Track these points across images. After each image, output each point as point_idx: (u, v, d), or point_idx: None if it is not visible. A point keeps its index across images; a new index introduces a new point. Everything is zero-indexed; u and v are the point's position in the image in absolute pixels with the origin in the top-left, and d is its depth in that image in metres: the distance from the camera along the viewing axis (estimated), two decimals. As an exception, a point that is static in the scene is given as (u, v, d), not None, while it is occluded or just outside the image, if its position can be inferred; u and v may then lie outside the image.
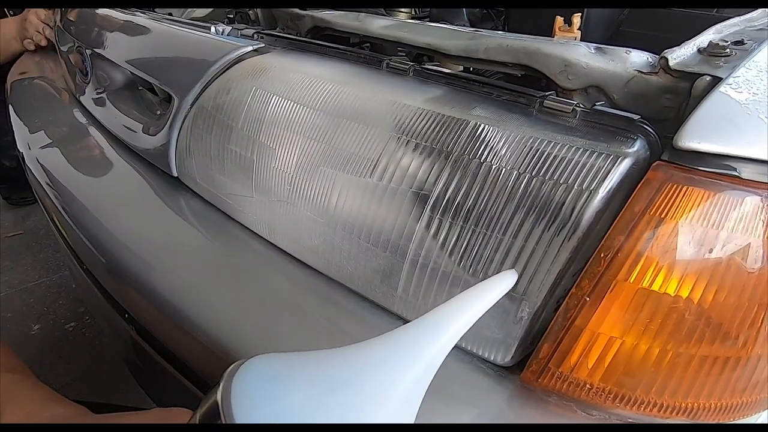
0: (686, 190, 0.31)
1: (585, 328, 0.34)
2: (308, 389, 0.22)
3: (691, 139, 0.32)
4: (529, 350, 0.39)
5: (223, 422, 0.21)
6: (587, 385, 0.35)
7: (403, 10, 0.91)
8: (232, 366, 0.23)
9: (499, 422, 0.37)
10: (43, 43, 1.53)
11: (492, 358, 0.39)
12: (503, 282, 0.29)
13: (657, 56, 0.42)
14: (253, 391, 0.22)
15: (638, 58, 0.43)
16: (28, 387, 0.22)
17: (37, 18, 1.53)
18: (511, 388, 0.39)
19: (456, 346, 0.42)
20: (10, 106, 1.09)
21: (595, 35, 0.87)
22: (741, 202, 0.31)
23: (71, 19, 1.06)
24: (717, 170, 0.32)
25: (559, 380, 0.36)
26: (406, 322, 0.44)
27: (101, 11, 0.91)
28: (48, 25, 1.51)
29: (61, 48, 1.19)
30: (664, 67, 0.41)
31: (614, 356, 0.34)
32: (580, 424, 0.37)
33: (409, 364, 0.23)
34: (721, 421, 0.36)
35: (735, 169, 0.32)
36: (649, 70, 0.42)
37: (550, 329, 0.36)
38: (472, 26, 0.93)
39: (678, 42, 0.42)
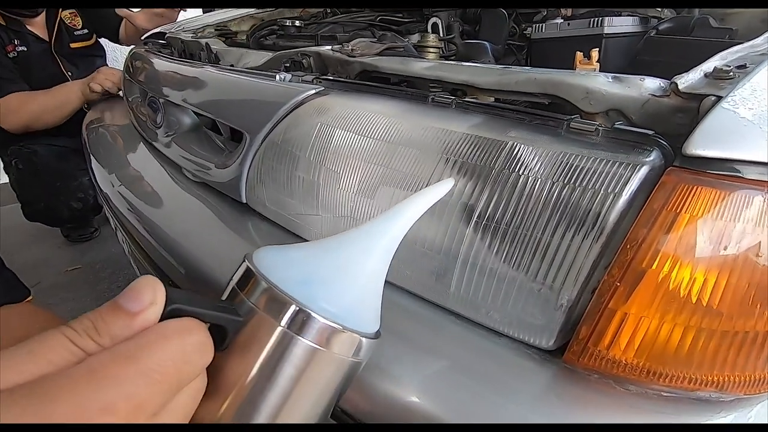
0: (696, 189, 0.38)
1: (617, 309, 0.40)
2: (307, 261, 0.32)
3: (697, 146, 0.38)
4: (569, 335, 0.45)
5: (258, 277, 0.30)
6: (622, 362, 0.41)
7: (431, 49, 1.01)
8: (247, 254, 0.32)
9: (546, 399, 0.43)
10: (113, 89, 1.70)
11: (537, 343, 0.45)
12: (442, 186, 0.35)
13: (668, 81, 0.49)
14: (270, 261, 0.31)
15: (651, 83, 0.50)
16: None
17: (103, 75, 1.72)
18: (554, 369, 0.44)
19: (502, 334, 0.48)
20: (88, 151, 1.23)
21: (615, 64, 0.94)
22: (744, 197, 0.37)
23: (140, 76, 1.21)
24: (721, 172, 0.38)
25: (598, 359, 0.42)
26: (459, 317, 0.51)
27: (169, 65, 1.05)
28: (114, 81, 1.70)
29: (129, 97, 1.35)
30: (675, 90, 0.48)
31: (644, 334, 0.39)
32: (585, 424, 0.41)
33: (376, 243, 0.32)
34: (747, 394, 0.40)
35: (738, 171, 0.38)
36: (662, 94, 0.49)
37: (588, 313, 0.42)
38: (496, 61, 1.03)
39: (690, 67, 0.49)
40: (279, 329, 0.29)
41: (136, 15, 1.90)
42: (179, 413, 0.25)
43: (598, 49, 0.75)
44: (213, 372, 0.29)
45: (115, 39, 2.14)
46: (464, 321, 0.50)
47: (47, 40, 1.95)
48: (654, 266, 0.38)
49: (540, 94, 0.56)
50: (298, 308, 0.29)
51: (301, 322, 0.29)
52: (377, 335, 0.33)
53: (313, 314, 0.29)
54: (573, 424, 0.40)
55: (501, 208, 0.46)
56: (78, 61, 2.04)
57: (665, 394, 0.41)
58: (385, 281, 0.56)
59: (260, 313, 0.29)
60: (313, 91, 0.66)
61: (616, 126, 0.45)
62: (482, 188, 0.47)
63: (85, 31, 2.07)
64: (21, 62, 1.87)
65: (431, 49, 1.01)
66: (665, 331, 0.39)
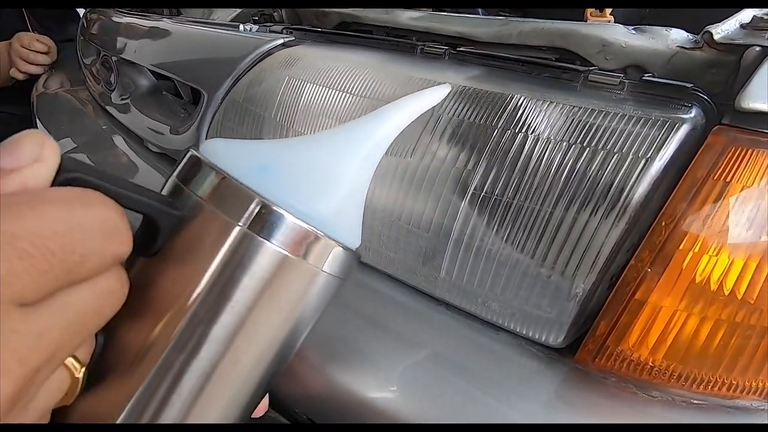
0: (752, 153, 0.30)
1: (646, 301, 0.32)
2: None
3: (755, 99, 0.31)
4: (581, 331, 0.37)
5: (208, 166, 0.22)
6: (649, 364, 0.34)
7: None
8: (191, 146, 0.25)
9: (554, 407, 0.35)
10: (35, 71, 1.45)
11: (543, 340, 0.38)
12: (438, 91, 0.29)
13: (696, 34, 0.41)
14: (224, 152, 0.24)
15: (678, 35, 0.42)
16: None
17: (20, 45, 1.45)
18: (564, 370, 0.37)
19: (502, 328, 0.40)
20: (36, 119, 1.11)
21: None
22: (810, 163, 0.30)
23: (94, 32, 1.08)
24: (783, 132, 0.31)
25: (618, 360, 0.34)
26: (450, 307, 0.43)
27: (126, 19, 0.93)
28: (38, 51, 1.44)
29: (85, 60, 1.22)
30: (709, 41, 0.40)
31: (678, 331, 0.32)
32: (593, 424, 0.34)
33: (356, 146, 0.25)
34: (794, 402, 0.34)
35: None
36: (692, 46, 0.41)
37: (608, 305, 0.34)
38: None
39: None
40: (237, 229, 0.22)
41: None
42: (74, 316, 0.18)
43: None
44: (139, 284, 0.21)
45: None
46: (456, 312, 0.42)
47: None
48: (696, 249, 0.31)
49: (547, 47, 0.48)
50: (263, 203, 0.22)
51: (266, 221, 0.22)
52: (357, 253, 0.26)
53: (283, 212, 0.22)
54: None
55: (503, 177, 0.37)
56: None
57: (695, 402, 0.35)
58: (362, 263, 0.48)
59: (210, 209, 0.22)
60: (281, 41, 0.56)
61: (645, 78, 0.37)
62: (480, 153, 0.39)
63: None
64: None
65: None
66: (705, 328, 0.31)
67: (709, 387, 0.33)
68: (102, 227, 0.18)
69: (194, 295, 0.21)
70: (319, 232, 0.23)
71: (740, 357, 0.32)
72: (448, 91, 0.28)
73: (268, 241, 0.22)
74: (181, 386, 0.22)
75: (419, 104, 0.27)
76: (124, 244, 0.19)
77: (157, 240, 0.22)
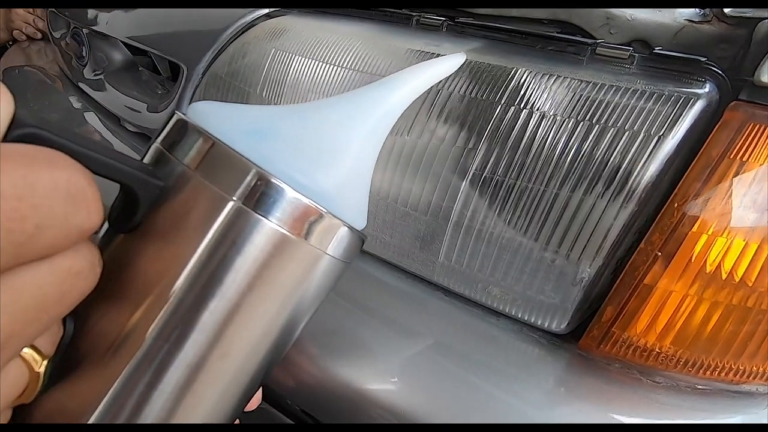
0: (770, 130, 0.29)
1: (656, 286, 0.31)
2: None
3: (776, 73, 0.29)
4: (585, 316, 0.36)
5: (197, 130, 0.20)
6: (655, 350, 0.33)
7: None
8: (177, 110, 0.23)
9: (558, 394, 0.34)
10: (35, 34, 1.48)
11: (546, 326, 0.36)
12: (453, 59, 0.27)
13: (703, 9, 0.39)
14: (215, 115, 0.21)
15: (686, 8, 0.40)
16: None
17: (24, 11, 1.49)
18: (567, 357, 0.36)
19: (503, 314, 0.39)
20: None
21: None
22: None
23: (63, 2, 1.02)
24: (802, 108, 0.29)
25: (624, 346, 0.33)
26: (449, 293, 0.41)
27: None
28: (38, 16, 1.46)
29: (54, 34, 1.15)
30: (718, 14, 0.38)
31: (687, 317, 0.31)
32: (591, 424, 0.34)
33: (367, 113, 0.23)
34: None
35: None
36: (701, 20, 0.39)
37: (615, 290, 0.33)
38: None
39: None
40: (230, 204, 0.19)
41: None
42: (29, 300, 0.15)
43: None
44: (115, 264, 0.19)
45: None
46: (455, 298, 0.41)
47: None
48: (709, 231, 0.29)
49: (548, 21, 0.45)
50: (260, 173, 0.19)
51: (263, 194, 0.19)
52: (363, 234, 0.24)
53: (283, 185, 0.19)
54: (593, 425, 0.31)
55: (506, 156, 0.35)
56: None
57: (700, 387, 0.34)
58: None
59: (199, 180, 0.19)
60: (265, 11, 0.52)
61: (655, 51, 0.36)
62: (482, 131, 0.36)
63: None
64: None
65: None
66: (716, 314, 0.30)
67: (716, 372, 0.32)
68: (65, 193, 0.15)
69: (179, 278, 0.19)
70: (323, 209, 0.20)
71: (749, 342, 0.31)
72: (463, 60, 0.26)
73: (266, 218, 0.19)
74: (163, 381, 0.19)
75: (432, 73, 0.25)
76: (93, 216, 0.16)
77: (137, 213, 0.19)
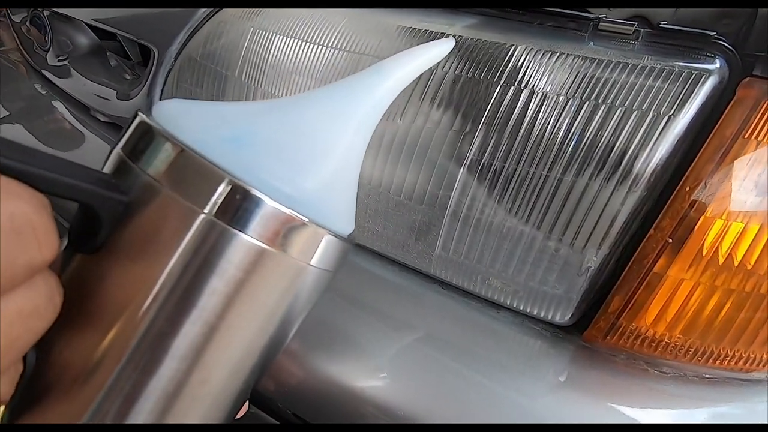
0: (787, 108, 0.27)
1: (666, 275, 0.30)
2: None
3: (793, 46, 0.27)
4: (589, 307, 0.35)
5: (162, 135, 0.18)
6: (664, 341, 0.31)
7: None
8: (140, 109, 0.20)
9: (563, 387, 0.33)
10: None
11: (549, 317, 0.35)
12: (442, 45, 0.25)
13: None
14: (182, 116, 0.19)
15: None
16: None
17: None
18: (571, 349, 0.35)
19: (505, 307, 0.37)
20: (-41, 82, 0.98)
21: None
22: None
23: (23, -18, 0.95)
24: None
25: (632, 337, 0.32)
26: (446, 285, 0.39)
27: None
28: None
29: (14, 18, 1.08)
30: (721, -13, 0.36)
31: (699, 306, 0.30)
32: (590, 424, 0.32)
33: (352, 107, 0.21)
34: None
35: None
36: (703, -7, 0.37)
37: (623, 280, 0.31)
38: None
39: None
40: (201, 217, 0.17)
41: None
42: None
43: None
44: (78, 288, 0.17)
45: None
46: (452, 291, 0.39)
47: None
48: (723, 216, 0.28)
49: (543, -4, 0.43)
50: (234, 183, 0.17)
51: (239, 206, 0.17)
52: (351, 240, 0.22)
53: (260, 195, 0.17)
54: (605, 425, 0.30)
55: (505, 140, 0.33)
56: None
57: (708, 376, 0.33)
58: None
59: (167, 192, 0.17)
60: (243, -13, 0.48)
61: (661, 26, 0.34)
62: (479, 114, 0.34)
63: None
64: None
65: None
66: (729, 302, 0.29)
67: (726, 361, 0.31)
68: (8, 230, 0.13)
69: (148, 301, 0.16)
70: (304, 218, 0.18)
71: (761, 330, 0.30)
72: (452, 45, 0.24)
73: (242, 232, 0.17)
74: (135, 412, 0.17)
75: (420, 60, 0.23)
76: (45, 249, 0.14)
77: (99, 233, 0.17)
